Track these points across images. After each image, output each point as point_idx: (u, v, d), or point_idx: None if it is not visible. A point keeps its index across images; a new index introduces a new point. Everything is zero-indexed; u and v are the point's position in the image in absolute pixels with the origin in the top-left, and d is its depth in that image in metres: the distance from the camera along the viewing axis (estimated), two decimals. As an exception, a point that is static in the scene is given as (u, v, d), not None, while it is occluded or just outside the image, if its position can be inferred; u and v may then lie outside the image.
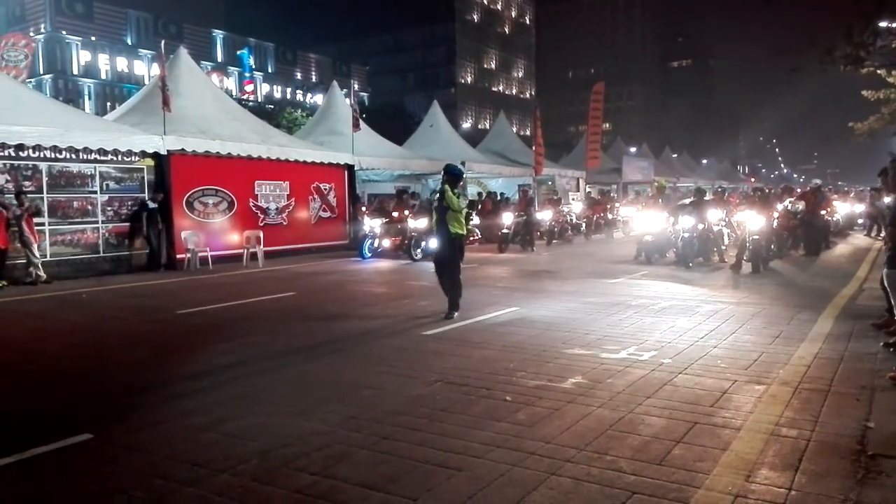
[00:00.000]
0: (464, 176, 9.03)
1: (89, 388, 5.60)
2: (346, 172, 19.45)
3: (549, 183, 30.66)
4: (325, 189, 18.84)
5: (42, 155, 12.96)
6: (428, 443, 4.09)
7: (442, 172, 8.88)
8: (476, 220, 19.84)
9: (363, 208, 19.94)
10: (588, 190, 32.89)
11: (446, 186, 8.47)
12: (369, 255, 16.50)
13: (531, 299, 9.81)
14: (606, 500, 3.31)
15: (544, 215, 21.25)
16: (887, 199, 6.64)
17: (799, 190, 25.65)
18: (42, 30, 55.09)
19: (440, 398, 5.02)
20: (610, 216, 26.40)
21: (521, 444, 4.03)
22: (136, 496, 3.46)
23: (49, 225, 13.09)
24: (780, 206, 16.09)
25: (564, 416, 4.55)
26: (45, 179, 13.07)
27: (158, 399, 5.13)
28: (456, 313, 8.45)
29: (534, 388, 5.22)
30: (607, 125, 79.91)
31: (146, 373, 6.01)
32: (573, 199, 29.70)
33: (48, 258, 12.94)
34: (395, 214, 16.94)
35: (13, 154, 12.56)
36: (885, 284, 6.51)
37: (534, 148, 27.98)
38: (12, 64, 20.85)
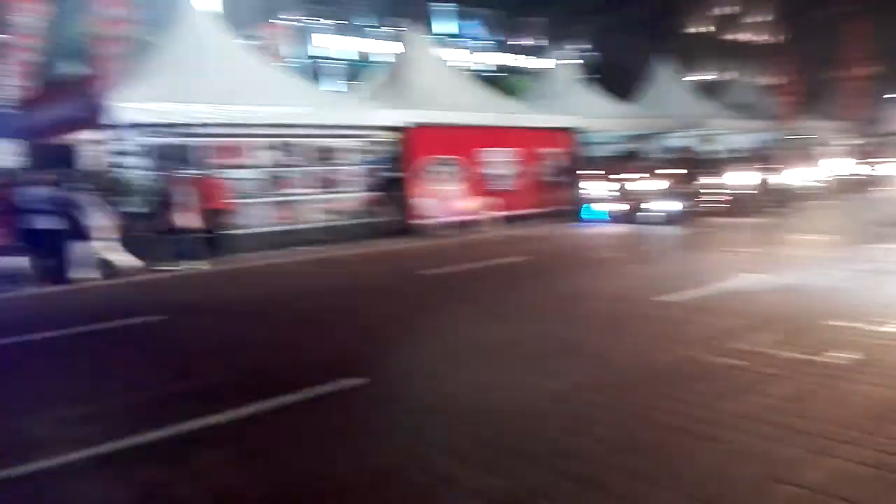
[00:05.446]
0: None
1: (354, 338, 6.30)
2: (570, 136, 19.27)
3: (799, 137, 27.54)
4: (551, 154, 18.83)
5: (299, 132, 14.45)
6: (676, 411, 4.01)
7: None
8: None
9: (590, 172, 19.58)
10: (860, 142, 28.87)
11: None
12: (602, 219, 16.37)
13: (779, 266, 8.99)
14: (882, 485, 3.02)
15: (792, 175, 19.21)
16: None
17: None
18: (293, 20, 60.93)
19: (685, 368, 4.87)
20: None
21: (782, 421, 3.78)
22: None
23: (312, 195, 14.70)
24: None
25: (829, 393, 4.19)
26: (303, 154, 14.62)
27: (410, 352, 5.60)
28: None
29: (790, 362, 4.85)
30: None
31: (403, 326, 6.59)
32: (832, 155, 26.19)
33: (313, 225, 14.52)
34: (624, 177, 16.52)
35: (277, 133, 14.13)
36: None
37: (779, 98, 25.30)
38: (273, 52, 23.50)
